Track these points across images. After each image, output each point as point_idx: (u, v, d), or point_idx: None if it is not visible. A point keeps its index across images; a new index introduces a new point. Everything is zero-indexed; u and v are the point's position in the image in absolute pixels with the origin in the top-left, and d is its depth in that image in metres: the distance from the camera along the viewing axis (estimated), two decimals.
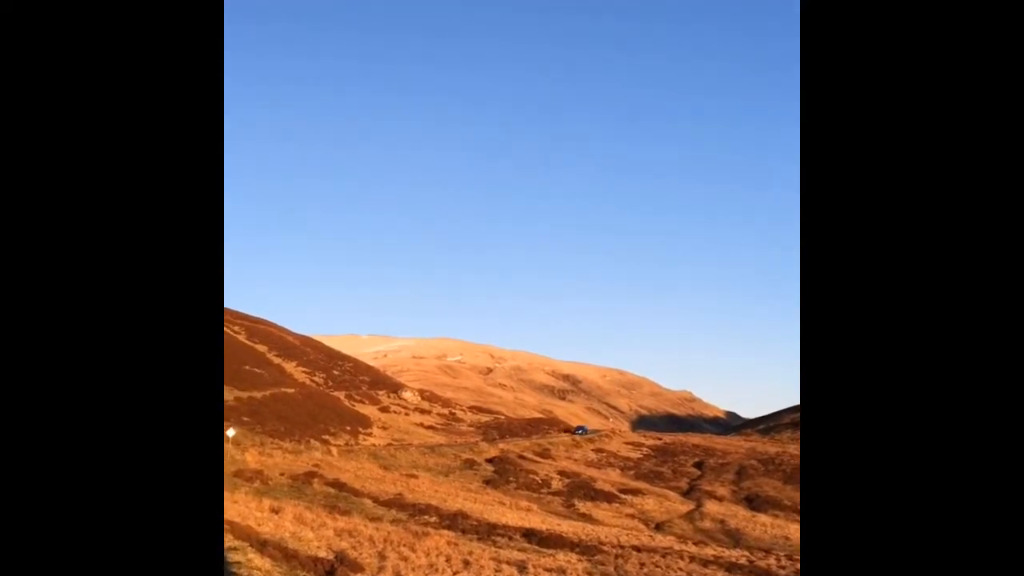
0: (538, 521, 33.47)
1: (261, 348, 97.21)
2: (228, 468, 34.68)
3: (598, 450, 71.31)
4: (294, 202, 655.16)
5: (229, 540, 12.73)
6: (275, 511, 22.88)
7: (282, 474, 36.60)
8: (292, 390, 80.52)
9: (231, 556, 10.33)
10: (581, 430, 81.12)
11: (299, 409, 73.40)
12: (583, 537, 28.57)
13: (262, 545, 14.27)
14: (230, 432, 47.82)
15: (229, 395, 70.84)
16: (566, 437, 78.62)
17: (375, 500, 33.00)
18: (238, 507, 21.99)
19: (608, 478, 57.79)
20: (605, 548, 25.69)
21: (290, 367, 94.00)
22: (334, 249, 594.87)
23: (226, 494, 24.46)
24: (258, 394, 73.95)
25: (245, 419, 63.68)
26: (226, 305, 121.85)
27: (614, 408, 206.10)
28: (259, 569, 9.68)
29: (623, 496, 49.17)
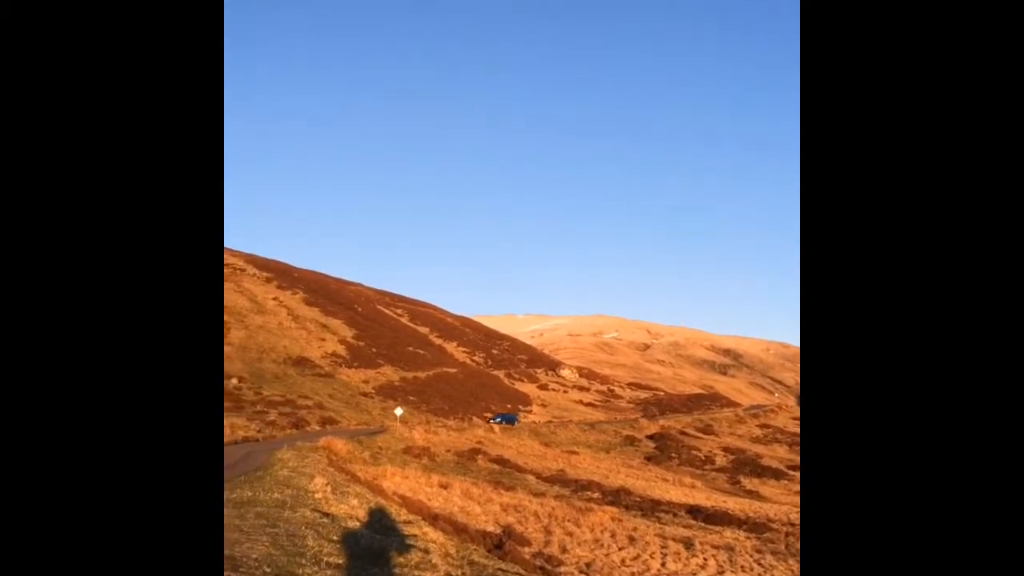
0: (703, 498, 32.97)
1: (423, 330, 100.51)
2: (398, 445, 36.19)
3: (764, 426, 69.28)
4: (452, 189, 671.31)
5: (404, 514, 13.30)
6: (443, 486, 23.68)
7: (448, 451, 37.81)
8: (454, 370, 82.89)
9: (407, 529, 10.79)
10: (503, 418, 60.46)
11: (461, 388, 75.51)
12: (751, 514, 27.88)
13: (433, 519, 14.83)
14: (398, 411, 49.89)
15: (395, 375, 73.83)
16: (728, 412, 76.85)
17: (538, 476, 33.52)
18: (409, 482, 22.91)
19: (775, 454, 56.05)
20: (774, 526, 24.96)
21: (451, 347, 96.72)
22: (489, 232, 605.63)
23: (397, 470, 25.56)
24: (422, 374, 76.64)
25: (411, 398, 66.26)
26: (389, 289, 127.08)
27: (779, 382, 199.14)
28: (434, 542, 10.06)
29: (792, 473, 47.54)
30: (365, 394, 65.88)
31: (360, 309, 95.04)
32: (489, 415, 63.51)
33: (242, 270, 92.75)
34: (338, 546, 7.45)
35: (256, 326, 73.62)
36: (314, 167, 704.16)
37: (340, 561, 6.82)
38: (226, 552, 6.20)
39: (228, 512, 8.55)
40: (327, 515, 9.54)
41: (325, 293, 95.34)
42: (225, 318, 70.92)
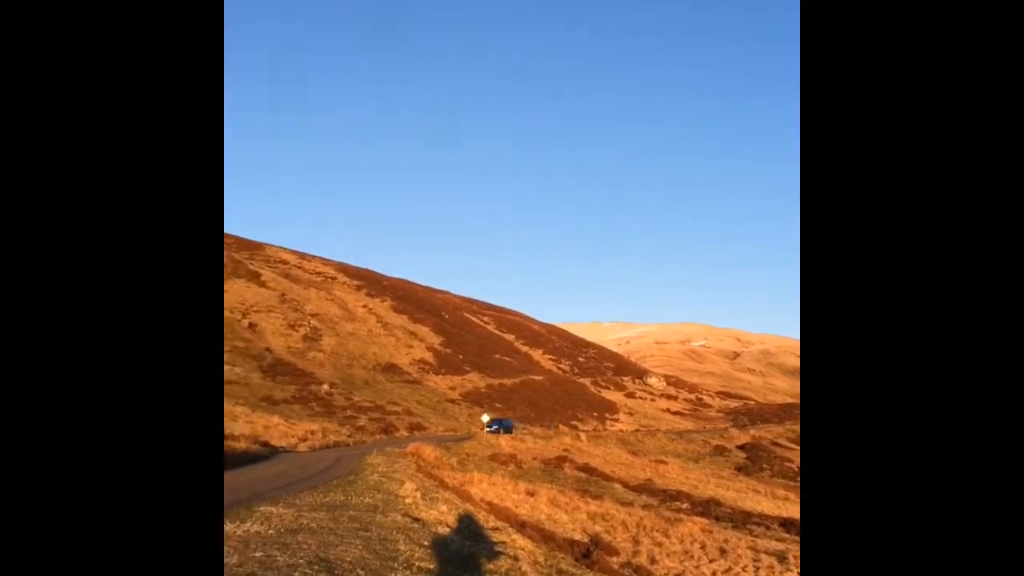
0: (796, 510, 32.02)
1: (509, 337, 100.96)
2: (484, 452, 36.39)
3: None
4: (536, 200, 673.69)
5: (492, 521, 13.35)
6: (530, 494, 23.66)
7: (534, 458, 37.81)
8: (540, 377, 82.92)
9: (496, 536, 10.82)
10: (499, 424, 47.99)
11: (547, 395, 75.50)
12: None
13: (521, 526, 14.83)
14: (485, 418, 50.20)
15: (481, 382, 74.33)
16: None
17: (625, 485, 33.19)
18: (496, 489, 22.98)
19: None
20: None
21: (537, 355, 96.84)
22: (574, 240, 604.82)
23: (484, 476, 25.67)
24: (508, 381, 76.95)
25: (498, 405, 66.56)
26: (477, 297, 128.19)
27: None
28: (523, 549, 10.06)
29: None
30: (452, 400, 66.55)
31: (447, 316, 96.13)
32: (576, 423, 63.16)
33: (333, 278, 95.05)
34: (429, 551, 7.52)
35: (347, 333, 75.28)
36: (401, 179, 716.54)
37: (431, 566, 6.89)
38: (321, 554, 6.33)
39: (322, 515, 8.74)
40: (417, 520, 9.66)
41: (413, 300, 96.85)
42: (317, 325, 72.79)
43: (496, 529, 11.85)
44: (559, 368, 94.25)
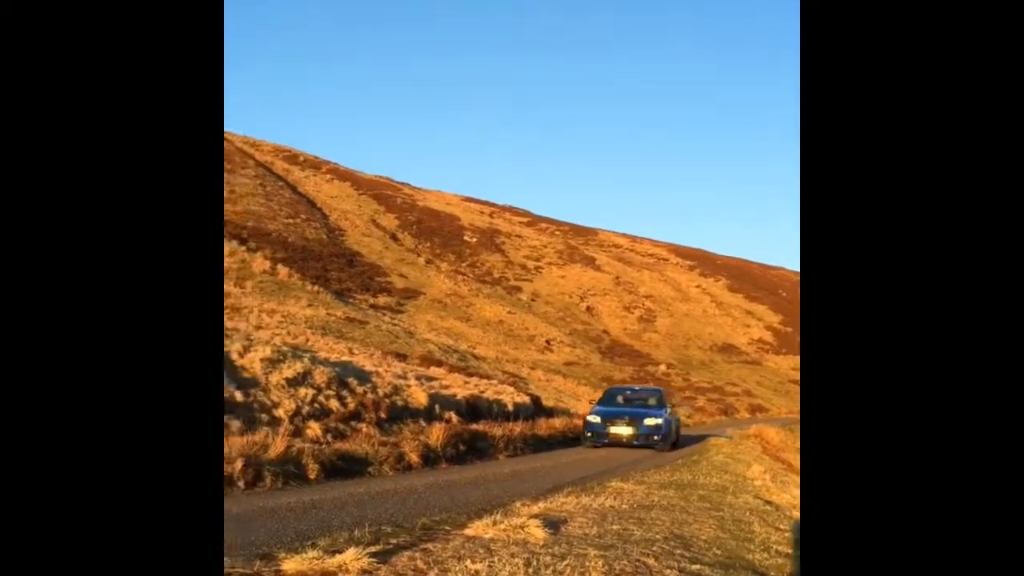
0: None
1: None
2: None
3: None
4: None
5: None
6: None
7: None
8: None
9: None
10: (628, 413, 22.79)
11: None
12: None
13: None
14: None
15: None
16: None
17: None
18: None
19: None
20: None
21: None
22: None
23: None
24: None
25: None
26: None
27: None
28: None
29: None
30: (794, 381, 63.75)
31: (785, 294, 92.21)
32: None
33: (665, 260, 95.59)
34: (785, 535, 7.25)
35: (681, 314, 75.32)
36: (733, 156, 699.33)
37: (789, 551, 6.65)
38: (675, 531, 6.38)
39: (671, 493, 8.81)
40: (769, 503, 9.37)
41: (748, 279, 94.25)
42: (651, 307, 73.71)
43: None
44: None
